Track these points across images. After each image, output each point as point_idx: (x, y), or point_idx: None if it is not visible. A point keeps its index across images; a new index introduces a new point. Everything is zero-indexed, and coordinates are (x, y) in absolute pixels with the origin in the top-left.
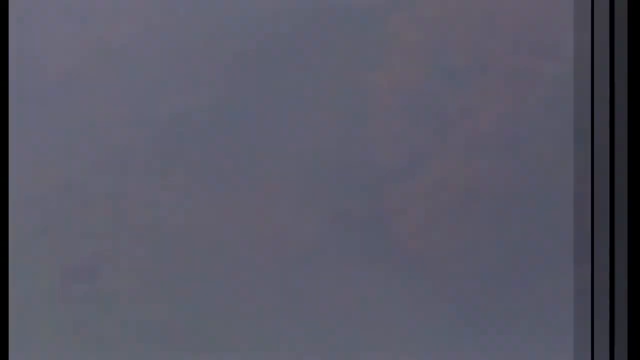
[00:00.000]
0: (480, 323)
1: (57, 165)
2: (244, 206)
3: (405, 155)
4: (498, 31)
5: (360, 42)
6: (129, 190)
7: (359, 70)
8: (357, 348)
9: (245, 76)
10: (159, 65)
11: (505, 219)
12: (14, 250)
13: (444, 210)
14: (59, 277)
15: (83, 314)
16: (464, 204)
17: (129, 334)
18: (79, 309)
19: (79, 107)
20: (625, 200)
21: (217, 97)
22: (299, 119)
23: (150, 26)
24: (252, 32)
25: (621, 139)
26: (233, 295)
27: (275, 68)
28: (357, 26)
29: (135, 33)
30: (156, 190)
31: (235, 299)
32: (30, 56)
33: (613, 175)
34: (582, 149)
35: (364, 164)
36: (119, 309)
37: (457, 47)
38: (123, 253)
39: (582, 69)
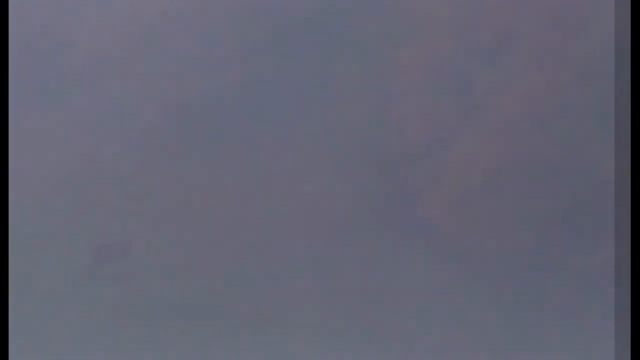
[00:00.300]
0: (512, 302)
1: (86, 144)
2: (273, 184)
3: (433, 133)
4: (525, 9)
5: (388, 21)
6: (159, 169)
7: (386, 50)
8: (383, 323)
9: (273, 55)
10: (187, 46)
11: (535, 197)
12: (45, 231)
13: (471, 189)
14: (90, 256)
15: (114, 291)
16: (493, 183)
17: (159, 311)
18: (109, 287)
19: (108, 88)
20: None
21: (244, 77)
22: (326, 98)
23: (178, 8)
24: (280, 11)
25: None
26: (262, 272)
27: (303, 47)
28: (384, 6)
29: (163, 15)
30: (185, 168)
31: (264, 276)
32: (60, 36)
33: None
34: (622, 131)
35: (391, 143)
36: (149, 286)
37: (484, 26)
38: (153, 231)
39: (622, 47)
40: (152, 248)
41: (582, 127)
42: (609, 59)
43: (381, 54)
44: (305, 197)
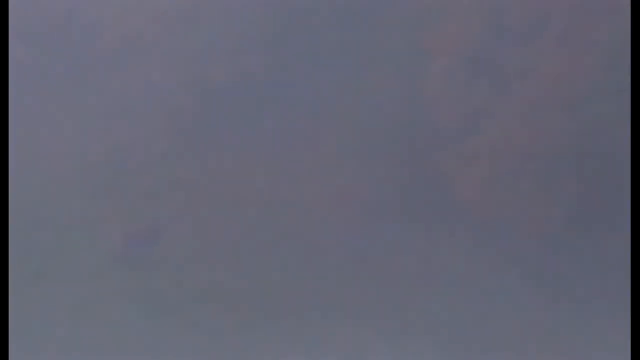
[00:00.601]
0: (545, 282)
1: (116, 128)
2: (303, 168)
3: (464, 116)
4: None
5: (417, 3)
6: (189, 153)
7: (415, 32)
8: (419, 303)
9: (301, 39)
10: (216, 27)
11: (564, 178)
12: (74, 216)
13: (503, 172)
14: (121, 240)
15: (145, 276)
16: (524, 166)
17: (190, 295)
18: (140, 271)
19: (137, 72)
20: None
21: (273, 61)
22: (355, 82)
23: None
24: None
25: None
26: (293, 257)
27: (331, 31)
28: None
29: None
30: (215, 152)
31: (295, 261)
32: (88, 20)
33: None
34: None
35: (423, 125)
36: (180, 271)
37: (515, 8)
38: (184, 216)
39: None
40: (183, 233)
41: (614, 110)
42: None
43: (410, 36)
44: (337, 181)
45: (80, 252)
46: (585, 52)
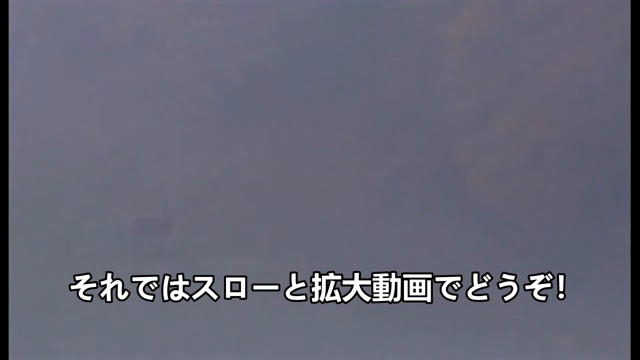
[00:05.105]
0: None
1: (129, 118)
2: (315, 158)
3: (476, 107)
4: None
5: None
6: (200, 142)
7: (431, 22)
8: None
9: (315, 28)
10: (232, 17)
11: (579, 169)
12: (86, 206)
13: (516, 163)
14: (131, 232)
15: (154, 268)
16: (537, 157)
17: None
18: (150, 263)
19: (150, 61)
20: None
21: (286, 51)
22: (367, 71)
23: None
24: None
25: None
26: (302, 248)
27: (344, 20)
28: None
29: None
30: (228, 142)
31: (305, 251)
32: (101, 10)
33: None
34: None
35: (436, 115)
36: (190, 262)
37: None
38: (195, 206)
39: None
40: (195, 224)
41: (629, 102)
42: None
43: (422, 26)
44: (347, 172)
45: (90, 242)
46: (600, 43)
